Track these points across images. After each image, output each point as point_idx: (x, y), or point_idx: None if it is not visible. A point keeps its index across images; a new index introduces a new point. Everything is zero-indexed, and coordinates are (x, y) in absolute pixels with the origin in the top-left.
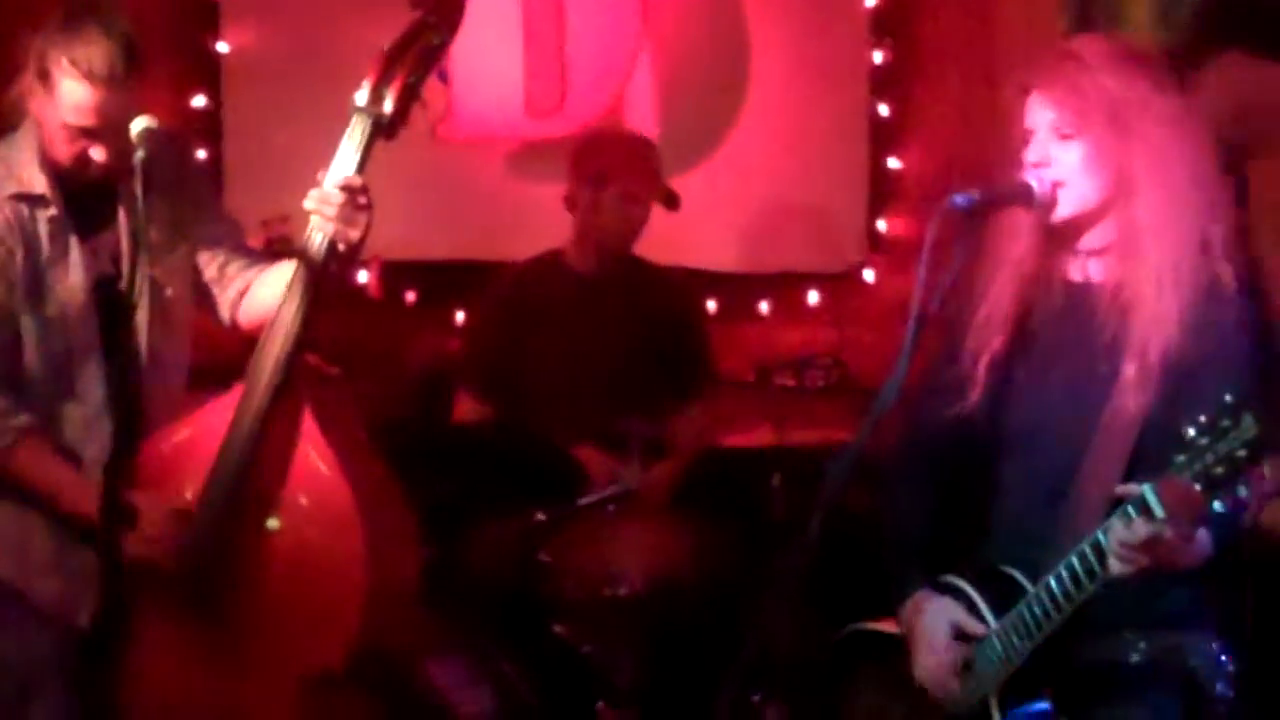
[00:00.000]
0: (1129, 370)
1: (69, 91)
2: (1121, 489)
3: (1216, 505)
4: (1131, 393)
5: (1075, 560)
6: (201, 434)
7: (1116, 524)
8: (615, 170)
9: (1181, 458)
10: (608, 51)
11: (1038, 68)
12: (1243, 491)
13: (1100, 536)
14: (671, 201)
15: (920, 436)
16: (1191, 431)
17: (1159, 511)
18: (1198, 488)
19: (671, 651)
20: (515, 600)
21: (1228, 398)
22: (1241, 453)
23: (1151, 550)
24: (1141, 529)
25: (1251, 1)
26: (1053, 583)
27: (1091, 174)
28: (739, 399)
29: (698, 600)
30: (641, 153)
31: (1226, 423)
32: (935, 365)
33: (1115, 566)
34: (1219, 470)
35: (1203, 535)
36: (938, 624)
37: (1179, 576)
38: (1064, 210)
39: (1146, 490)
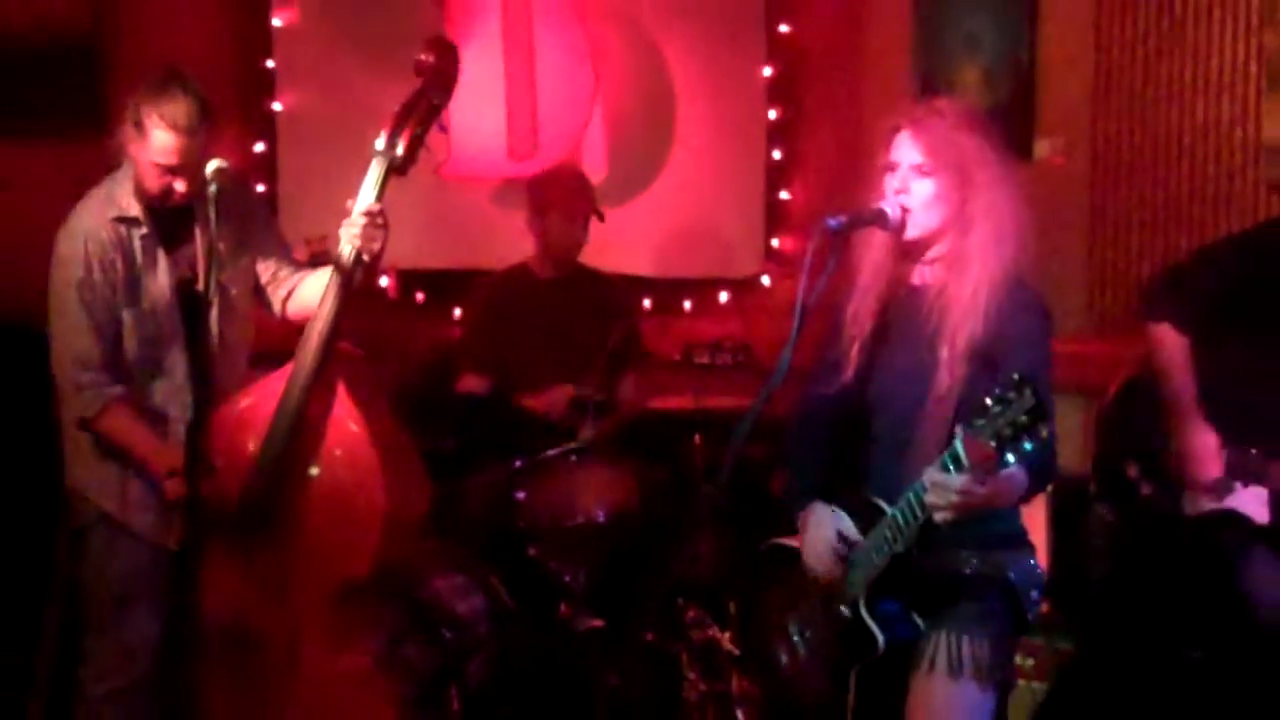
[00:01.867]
0: (942, 351)
1: (157, 139)
2: (957, 435)
3: (1009, 458)
4: (946, 370)
5: (910, 496)
6: (260, 401)
7: (933, 473)
8: (553, 200)
9: (980, 421)
10: (569, 111)
11: (909, 116)
12: (1028, 446)
13: (925, 479)
14: (600, 217)
15: (812, 402)
16: (988, 401)
17: (965, 462)
18: (992, 445)
19: (617, 567)
20: (499, 529)
21: (1015, 375)
22: (1024, 418)
23: (960, 494)
24: (953, 479)
25: None
26: (896, 514)
27: (937, 206)
28: (667, 374)
29: (637, 528)
30: (573, 185)
31: (1013, 395)
32: (820, 348)
33: (929, 501)
34: (1008, 431)
35: (1019, 480)
36: (824, 520)
37: (1005, 510)
38: (911, 232)
39: (956, 446)
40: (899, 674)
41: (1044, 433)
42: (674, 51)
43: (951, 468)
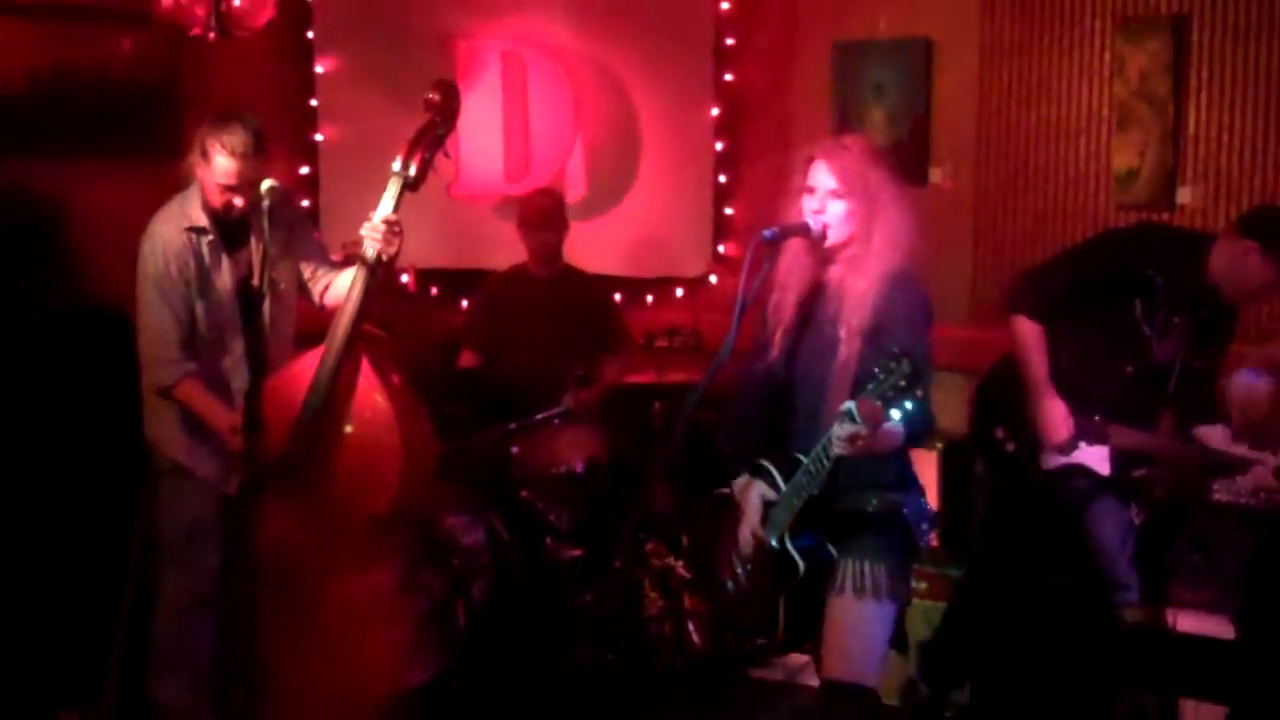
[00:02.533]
0: (842, 333)
1: (220, 163)
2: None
3: (893, 414)
4: (845, 346)
5: (819, 449)
6: (302, 372)
7: (835, 427)
8: (528, 219)
9: (870, 385)
10: (555, 142)
11: (823, 148)
12: (908, 404)
13: (830, 434)
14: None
15: (746, 378)
16: (876, 369)
17: (857, 418)
18: (879, 404)
19: (593, 508)
20: (497, 477)
21: (895, 350)
22: (903, 383)
23: (857, 442)
24: (848, 428)
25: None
26: (811, 463)
27: (848, 222)
28: (635, 354)
29: (609, 476)
30: (545, 204)
31: (894, 365)
32: (755, 334)
33: (836, 450)
34: (891, 393)
35: (898, 432)
36: (753, 498)
37: (894, 457)
38: (828, 242)
39: (850, 406)
40: (817, 595)
41: (919, 394)
42: (639, 95)
43: (849, 424)
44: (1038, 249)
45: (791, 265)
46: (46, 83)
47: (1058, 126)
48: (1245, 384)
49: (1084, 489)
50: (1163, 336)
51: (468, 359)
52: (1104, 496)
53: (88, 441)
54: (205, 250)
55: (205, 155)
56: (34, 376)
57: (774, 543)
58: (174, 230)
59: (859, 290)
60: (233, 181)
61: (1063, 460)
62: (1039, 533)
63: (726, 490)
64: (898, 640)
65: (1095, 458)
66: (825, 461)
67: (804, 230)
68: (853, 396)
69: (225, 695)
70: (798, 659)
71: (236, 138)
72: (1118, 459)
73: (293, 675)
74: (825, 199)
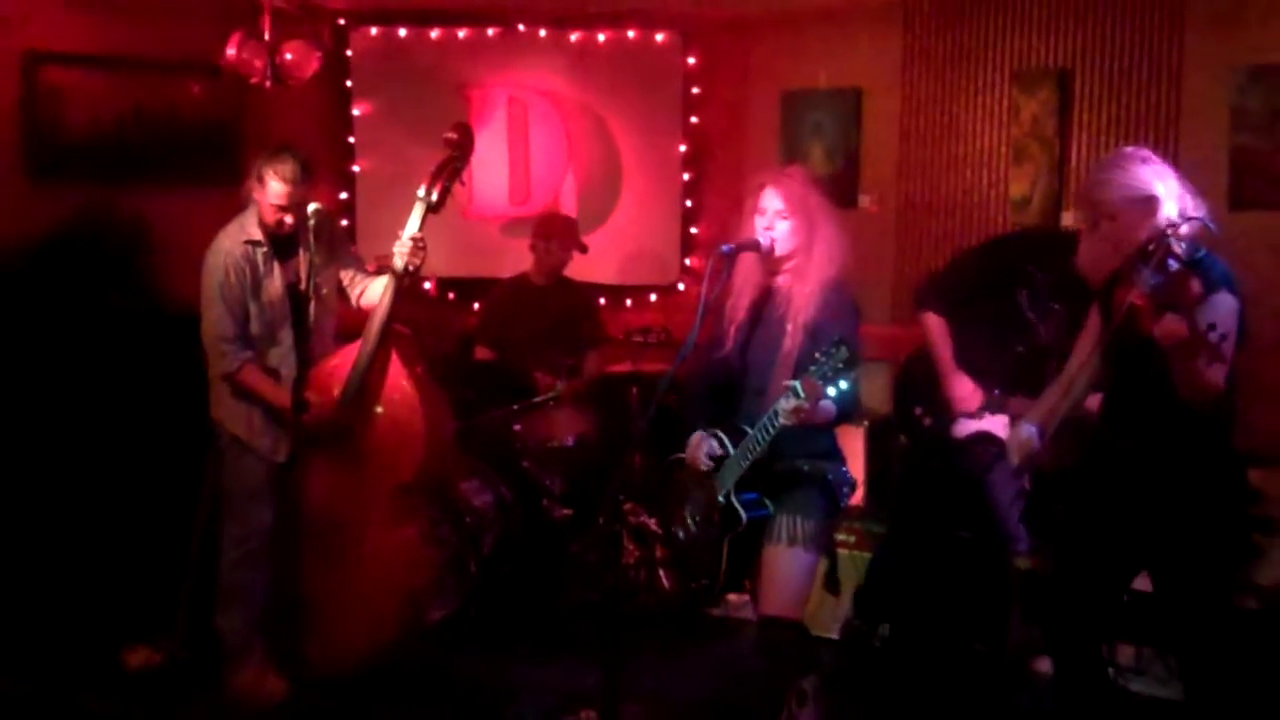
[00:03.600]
0: (788, 329)
1: (273, 188)
2: (787, 382)
3: (830, 392)
4: (790, 340)
5: (765, 420)
6: (342, 363)
7: (782, 400)
8: (551, 234)
9: (813, 367)
10: (551, 171)
11: (772, 176)
12: (843, 384)
13: (776, 407)
14: (583, 249)
15: (704, 368)
16: (818, 354)
17: (801, 393)
18: (820, 383)
19: (580, 474)
20: (503, 450)
21: (836, 338)
22: (840, 365)
23: (799, 413)
24: (793, 402)
25: None
26: (757, 431)
27: (792, 238)
28: (614, 349)
29: (594, 449)
30: (567, 225)
31: (833, 351)
32: (713, 331)
33: (781, 420)
34: (830, 374)
35: (831, 410)
36: (700, 440)
37: (823, 430)
38: (776, 254)
39: (795, 384)
40: (754, 544)
41: (852, 376)
42: (621, 134)
43: (794, 398)
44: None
45: (746, 275)
46: (131, 123)
47: (964, 161)
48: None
49: (987, 456)
50: (1044, 320)
51: (482, 353)
52: (1002, 464)
53: (165, 419)
54: (260, 259)
55: (261, 181)
56: (123, 367)
57: (721, 498)
58: (233, 244)
59: (803, 294)
60: (284, 203)
61: (971, 429)
62: (947, 493)
63: (679, 457)
64: (831, 584)
65: (998, 425)
66: (771, 429)
67: (755, 245)
68: (796, 377)
69: (276, 629)
70: (738, 598)
71: (288, 167)
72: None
73: (332, 613)
74: (773, 218)
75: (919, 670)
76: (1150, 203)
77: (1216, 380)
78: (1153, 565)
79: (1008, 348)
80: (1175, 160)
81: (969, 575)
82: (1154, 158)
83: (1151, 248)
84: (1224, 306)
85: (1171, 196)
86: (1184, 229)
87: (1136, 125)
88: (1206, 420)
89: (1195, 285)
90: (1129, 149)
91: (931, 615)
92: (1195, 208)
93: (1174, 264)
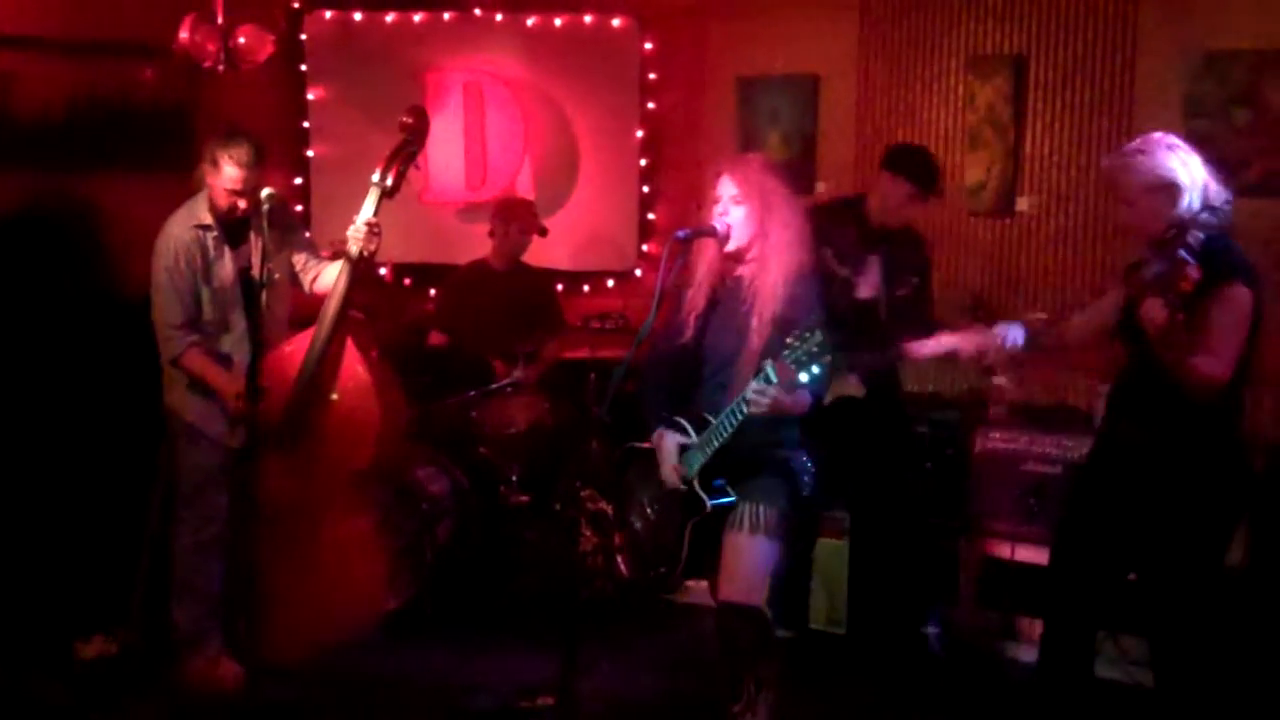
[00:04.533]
0: (754, 321)
1: (228, 171)
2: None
3: (802, 377)
4: (756, 334)
5: (733, 407)
6: (297, 349)
7: (753, 383)
8: (511, 218)
9: (786, 351)
10: (508, 157)
11: (728, 163)
12: (816, 369)
13: (745, 392)
14: (543, 233)
15: (661, 356)
16: (790, 339)
17: (773, 378)
18: (793, 367)
19: (537, 460)
20: (459, 436)
21: (810, 323)
22: (814, 349)
23: (771, 399)
24: (765, 385)
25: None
26: (724, 417)
27: (749, 225)
28: (572, 335)
29: (550, 435)
30: (527, 209)
31: (807, 334)
32: (669, 318)
33: (751, 406)
34: (803, 359)
35: (807, 398)
36: (670, 446)
37: (790, 421)
38: (733, 243)
39: (769, 366)
40: (716, 531)
41: (826, 362)
42: (578, 119)
43: (764, 383)
44: None
45: (704, 263)
46: (81, 107)
47: None
48: (1009, 333)
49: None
50: (860, 274)
51: (436, 339)
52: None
53: (119, 406)
54: (210, 244)
55: (215, 164)
56: (75, 355)
57: (684, 485)
58: (183, 229)
59: (768, 286)
60: (238, 187)
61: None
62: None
63: (635, 445)
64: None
65: (851, 385)
66: (739, 415)
67: (711, 231)
68: (757, 371)
69: (231, 617)
70: (697, 584)
71: (241, 150)
72: (867, 379)
73: (288, 602)
74: (728, 204)
75: (875, 656)
76: (1170, 190)
77: (1207, 371)
78: (1147, 553)
79: (833, 308)
80: None
81: (913, 558)
82: (1180, 144)
83: (1168, 236)
84: (1232, 298)
85: (1195, 186)
86: (1205, 219)
87: (1091, 112)
88: (1208, 410)
89: (1192, 274)
90: (1156, 135)
91: (882, 600)
92: (1218, 197)
93: (1184, 253)
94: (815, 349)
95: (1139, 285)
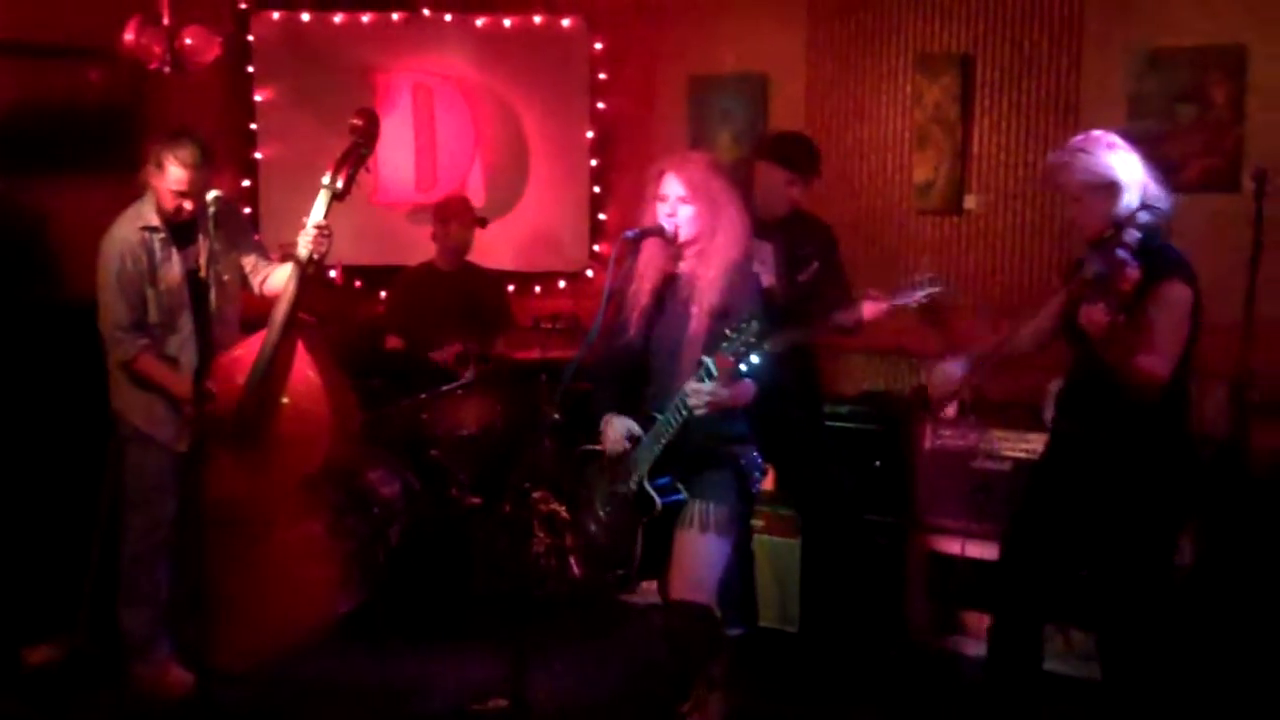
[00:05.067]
0: (695, 312)
1: (172, 173)
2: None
3: (743, 367)
4: (696, 322)
5: (676, 402)
6: (246, 353)
7: (691, 381)
8: (448, 216)
9: (725, 344)
10: (458, 158)
11: (672, 162)
12: (754, 359)
13: (686, 387)
14: (483, 224)
15: (609, 355)
16: (728, 331)
17: (714, 370)
18: (732, 359)
19: (488, 462)
20: (411, 439)
21: (747, 313)
22: (752, 340)
23: (710, 395)
24: (706, 381)
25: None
26: (668, 415)
27: (695, 223)
28: (523, 335)
29: (502, 436)
30: (462, 204)
31: (745, 326)
32: (616, 317)
33: (690, 402)
34: (742, 350)
35: (750, 388)
36: (617, 423)
37: (738, 416)
38: (680, 239)
39: (708, 360)
40: (667, 530)
41: (765, 351)
42: (528, 120)
43: (705, 378)
44: (853, 246)
45: (648, 260)
46: (26, 109)
47: (868, 145)
48: (947, 370)
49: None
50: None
51: (393, 342)
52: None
53: (64, 411)
54: (157, 246)
55: (160, 166)
56: (18, 358)
57: (633, 484)
58: (129, 230)
59: (707, 279)
60: (184, 188)
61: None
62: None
63: (589, 447)
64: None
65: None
66: (683, 410)
67: (660, 231)
68: (706, 355)
69: (180, 623)
70: (649, 584)
71: (187, 151)
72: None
73: (238, 606)
74: (675, 204)
75: (825, 653)
76: (1110, 189)
77: (1149, 369)
78: (1097, 549)
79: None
80: None
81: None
82: (1120, 143)
83: (1106, 235)
84: (1171, 297)
85: (1134, 184)
86: (1142, 218)
87: (1037, 111)
88: (1154, 408)
89: (1132, 274)
90: (1097, 133)
91: (833, 598)
92: (1157, 197)
93: (1123, 253)
94: (753, 339)
95: (1079, 286)
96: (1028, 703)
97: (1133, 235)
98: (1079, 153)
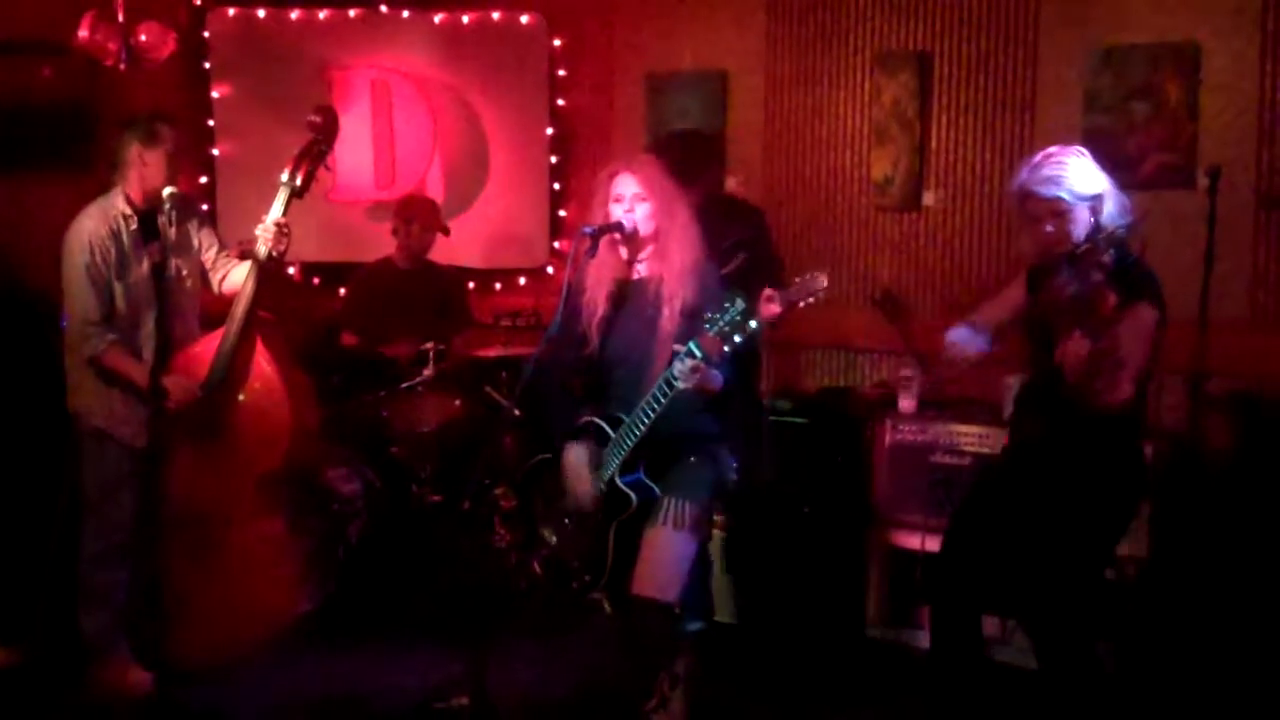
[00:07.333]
0: (664, 313)
1: (160, 157)
2: (677, 346)
3: (726, 348)
4: (666, 323)
5: (660, 384)
6: (205, 349)
7: (676, 363)
8: (413, 217)
9: (708, 325)
10: (417, 155)
11: (625, 164)
12: (738, 339)
13: (670, 372)
14: (445, 231)
15: (565, 364)
16: (709, 313)
17: (699, 351)
18: (719, 339)
19: (448, 459)
20: (371, 436)
21: (727, 293)
22: (738, 318)
23: (696, 373)
24: (691, 362)
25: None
26: (643, 406)
27: (653, 220)
28: (485, 333)
29: (462, 433)
30: (428, 207)
31: (728, 305)
32: (570, 325)
33: (678, 383)
34: (728, 329)
35: (717, 378)
36: (579, 462)
37: (711, 411)
38: (640, 235)
39: (693, 343)
40: (635, 528)
41: (750, 328)
42: (487, 117)
43: (690, 357)
44: (813, 240)
45: (601, 265)
46: None
47: (828, 142)
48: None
49: None
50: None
51: (349, 339)
52: None
53: (19, 411)
54: (127, 238)
55: (153, 137)
56: None
57: (604, 485)
58: (98, 223)
59: (673, 277)
60: (171, 169)
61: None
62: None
63: (544, 456)
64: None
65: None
66: (661, 400)
67: (618, 227)
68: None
69: (139, 624)
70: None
71: (170, 132)
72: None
73: (197, 606)
74: (633, 202)
75: (785, 648)
76: (1086, 204)
77: (1122, 390)
78: (1037, 544)
79: None
80: (1031, 143)
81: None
82: (1087, 154)
83: (1079, 252)
84: (1141, 319)
85: (1108, 201)
86: (1117, 233)
87: (994, 108)
88: (1112, 418)
89: (1111, 299)
90: (1065, 149)
91: (785, 591)
92: (1124, 212)
93: (1100, 276)
94: (738, 317)
95: (1051, 305)
96: (971, 691)
97: (1109, 255)
98: (1050, 167)
